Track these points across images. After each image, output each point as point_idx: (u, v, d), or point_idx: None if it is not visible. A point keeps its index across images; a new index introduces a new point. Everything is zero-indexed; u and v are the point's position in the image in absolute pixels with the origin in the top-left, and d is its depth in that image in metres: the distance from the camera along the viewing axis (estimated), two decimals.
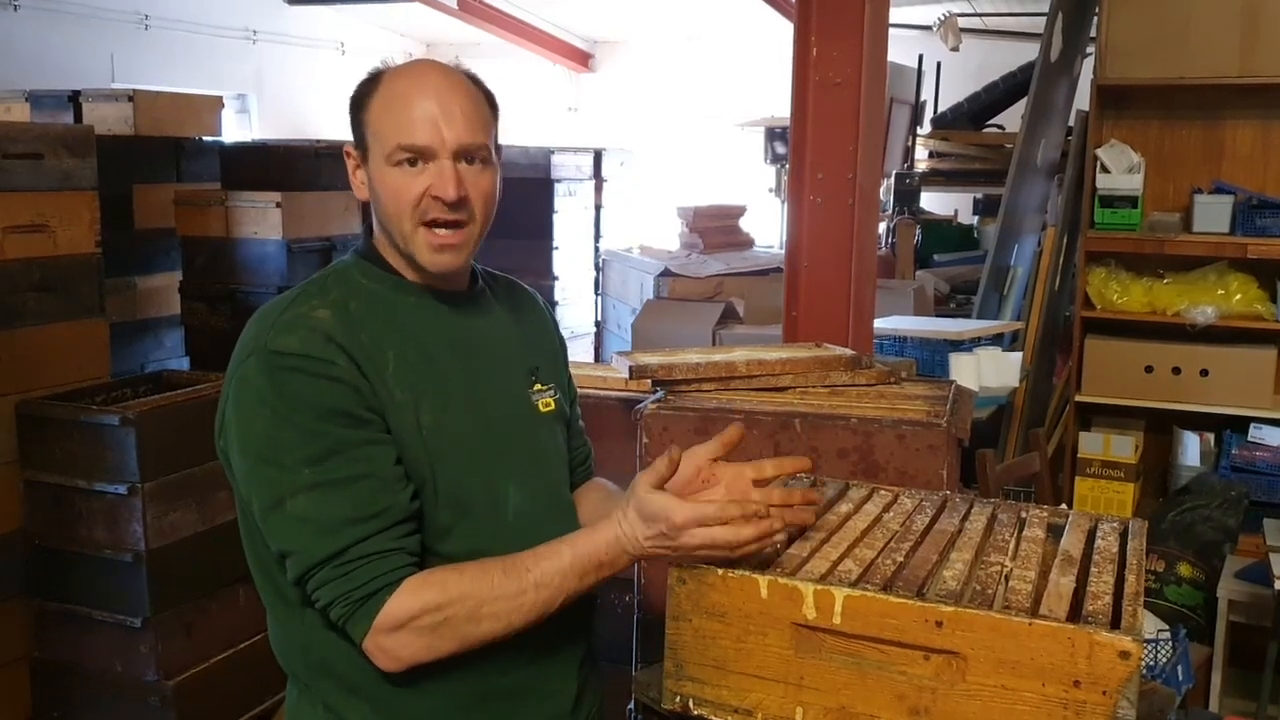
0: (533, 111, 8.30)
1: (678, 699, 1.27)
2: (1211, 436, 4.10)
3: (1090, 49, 4.67)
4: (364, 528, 1.25)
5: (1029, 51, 5.61)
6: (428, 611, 1.24)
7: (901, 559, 1.28)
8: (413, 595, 1.25)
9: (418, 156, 1.33)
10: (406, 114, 1.33)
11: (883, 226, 5.46)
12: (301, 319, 1.30)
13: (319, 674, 1.36)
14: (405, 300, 1.39)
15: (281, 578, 1.31)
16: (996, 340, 4.21)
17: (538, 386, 1.49)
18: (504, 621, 1.27)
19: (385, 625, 1.24)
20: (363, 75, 1.40)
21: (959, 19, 6.94)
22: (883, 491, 1.55)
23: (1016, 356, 4.04)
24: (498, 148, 1.41)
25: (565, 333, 1.89)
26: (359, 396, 1.28)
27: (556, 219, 6.29)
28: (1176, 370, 3.96)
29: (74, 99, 4.49)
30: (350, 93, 1.39)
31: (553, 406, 1.49)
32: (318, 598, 1.26)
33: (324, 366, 1.27)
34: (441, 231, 1.34)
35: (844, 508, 1.47)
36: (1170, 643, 2.43)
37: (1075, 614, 1.13)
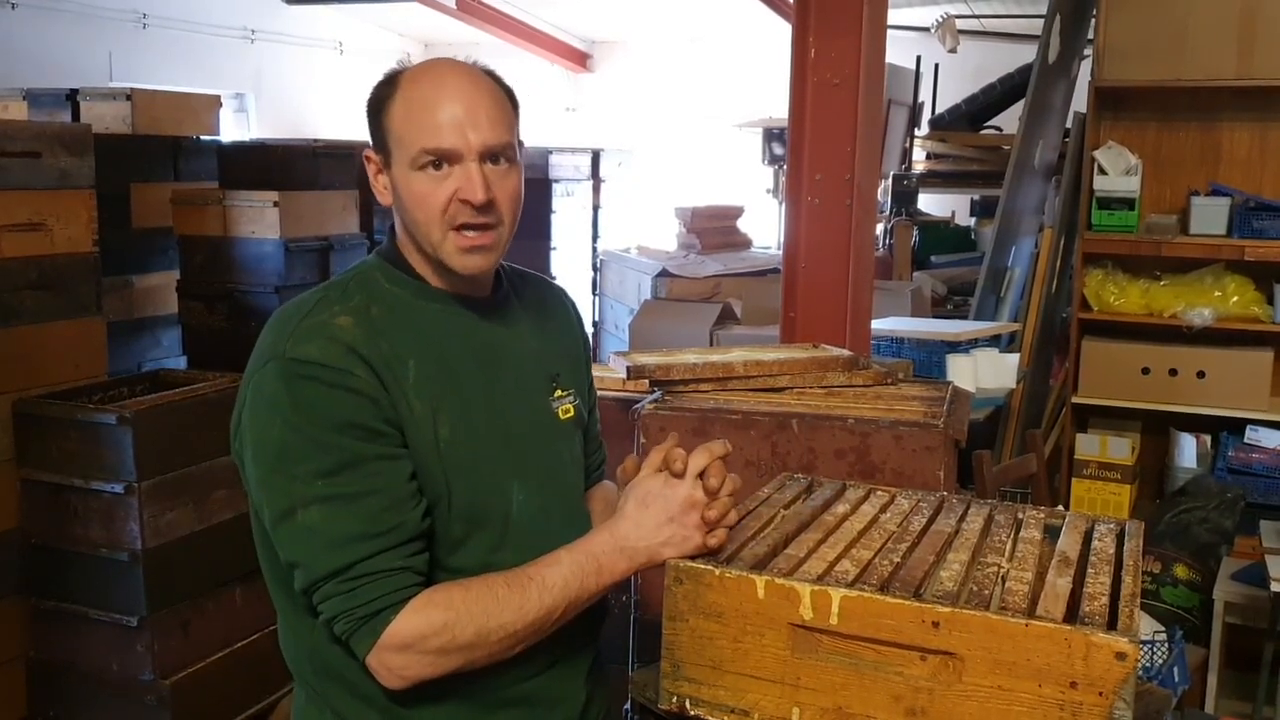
0: (531, 112, 8.25)
1: (674, 699, 1.26)
2: (1208, 438, 4.10)
3: (1088, 51, 4.67)
4: (372, 544, 1.23)
5: (1027, 53, 5.61)
6: (434, 632, 1.23)
7: (898, 560, 1.28)
8: (419, 615, 1.23)
9: (443, 160, 1.30)
10: (430, 117, 1.30)
11: (880, 228, 5.47)
12: (322, 326, 1.28)
13: (327, 678, 1.35)
14: (428, 306, 1.37)
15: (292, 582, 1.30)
16: (993, 341, 4.21)
17: (558, 393, 1.47)
18: (511, 635, 1.26)
19: (390, 645, 1.23)
20: (378, 77, 1.36)
21: (957, 21, 6.94)
22: (880, 492, 1.55)
23: (1013, 358, 4.04)
24: (520, 144, 1.39)
25: None
26: (377, 409, 1.26)
27: (554, 219, 6.30)
28: (1173, 372, 3.96)
29: (72, 97, 4.47)
30: (367, 96, 1.35)
31: (572, 413, 1.48)
32: (322, 611, 1.25)
33: (342, 377, 1.25)
34: (470, 233, 1.32)
35: (841, 508, 1.47)
36: (1166, 644, 2.43)
37: (1072, 615, 1.13)
